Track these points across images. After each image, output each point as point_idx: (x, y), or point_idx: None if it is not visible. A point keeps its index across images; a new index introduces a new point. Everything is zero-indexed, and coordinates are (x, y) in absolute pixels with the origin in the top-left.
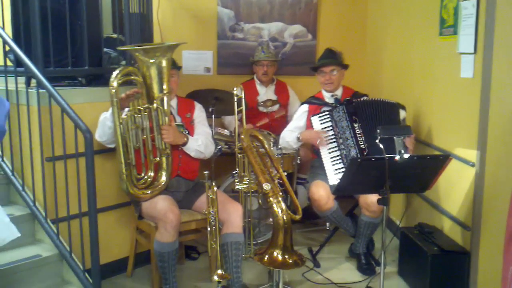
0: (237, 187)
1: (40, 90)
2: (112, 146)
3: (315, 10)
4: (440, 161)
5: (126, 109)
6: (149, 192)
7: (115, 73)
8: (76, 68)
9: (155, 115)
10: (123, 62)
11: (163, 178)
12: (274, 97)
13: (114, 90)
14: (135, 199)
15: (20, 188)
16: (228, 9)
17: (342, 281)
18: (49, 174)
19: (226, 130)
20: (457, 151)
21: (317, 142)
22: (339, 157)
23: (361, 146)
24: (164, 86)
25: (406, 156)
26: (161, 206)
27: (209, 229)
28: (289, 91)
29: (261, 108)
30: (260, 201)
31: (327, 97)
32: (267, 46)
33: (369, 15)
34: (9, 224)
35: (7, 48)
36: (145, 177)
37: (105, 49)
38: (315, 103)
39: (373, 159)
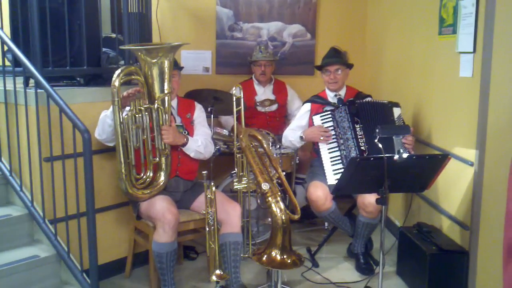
0: (235, 187)
1: (38, 90)
2: (111, 144)
3: (314, 9)
4: (439, 160)
5: (127, 109)
6: (148, 192)
7: (117, 72)
8: (75, 68)
9: (155, 115)
10: (122, 62)
11: (162, 178)
12: (272, 97)
13: (115, 89)
14: (133, 199)
15: (18, 189)
16: (227, 8)
17: (340, 280)
18: (47, 174)
19: (224, 130)
20: (456, 150)
21: (320, 139)
22: (339, 158)
23: (362, 147)
24: (166, 86)
25: (405, 155)
26: (159, 206)
27: (207, 229)
28: (288, 90)
29: (259, 108)
30: (258, 201)
31: (330, 96)
32: (265, 46)
33: (368, 14)
34: None
35: (5, 48)
36: (144, 177)
37: (103, 49)
38: (318, 102)
39: (371, 158)
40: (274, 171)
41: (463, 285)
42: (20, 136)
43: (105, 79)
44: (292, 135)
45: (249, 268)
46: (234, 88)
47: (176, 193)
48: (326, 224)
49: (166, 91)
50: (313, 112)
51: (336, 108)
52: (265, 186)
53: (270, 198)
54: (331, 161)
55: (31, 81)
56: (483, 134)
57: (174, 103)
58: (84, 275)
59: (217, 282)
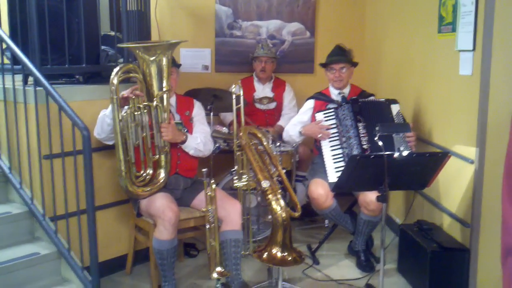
0: (235, 184)
1: (38, 88)
2: (110, 143)
3: (314, 7)
4: (439, 158)
5: (126, 107)
6: (148, 189)
7: (115, 70)
8: (74, 66)
9: (154, 113)
10: (121, 60)
11: (162, 175)
12: (270, 95)
13: (114, 87)
14: (133, 197)
15: (18, 186)
16: (226, 6)
17: (341, 278)
18: (47, 172)
19: (224, 128)
20: (456, 148)
21: (318, 136)
22: (341, 155)
23: (364, 146)
24: (164, 84)
25: (404, 153)
26: (160, 203)
27: (208, 226)
28: (286, 89)
29: (257, 105)
30: (259, 198)
31: (334, 94)
32: (267, 43)
33: (367, 12)
34: None
35: (4, 46)
36: (144, 174)
37: (102, 47)
38: (322, 99)
39: (372, 156)
40: (274, 169)
41: (463, 282)
42: (19, 133)
43: (104, 77)
44: (292, 129)
45: (250, 265)
46: (233, 85)
47: (176, 191)
48: (326, 221)
49: (164, 89)
50: (316, 109)
51: (339, 106)
52: (265, 184)
53: (270, 196)
54: (333, 159)
55: (30, 79)
56: (483, 132)
57: (173, 100)
58: (85, 272)
59: (218, 279)
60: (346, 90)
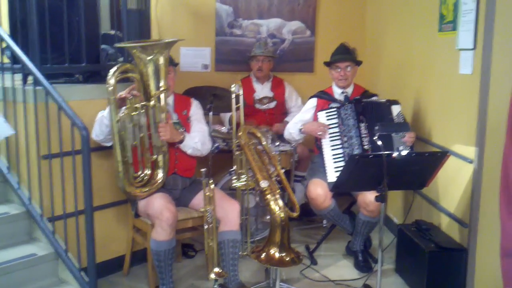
0: (234, 184)
1: (37, 87)
2: (108, 144)
3: (314, 6)
4: (438, 157)
5: (123, 107)
6: (146, 190)
7: (112, 70)
8: (73, 65)
9: (152, 113)
10: (121, 59)
11: (160, 175)
12: (270, 94)
13: (111, 88)
14: (131, 198)
15: (16, 186)
16: (226, 5)
17: (339, 278)
18: (45, 172)
19: (223, 127)
20: (455, 147)
21: (318, 134)
22: (342, 155)
23: (365, 146)
24: (161, 83)
25: (404, 153)
26: (158, 204)
27: (206, 227)
28: (286, 86)
29: (257, 106)
30: (257, 198)
31: (337, 93)
32: (265, 42)
33: (368, 11)
34: (4, 123)
35: (4, 44)
36: (142, 175)
37: (102, 46)
38: (324, 98)
39: (371, 156)
40: (273, 169)
41: (461, 282)
42: (18, 133)
43: (104, 76)
44: (293, 127)
45: (248, 266)
46: (233, 85)
47: (174, 191)
48: (324, 221)
49: (162, 88)
50: (319, 108)
51: (342, 105)
52: (264, 184)
53: (269, 196)
54: (333, 158)
55: (30, 78)
56: (482, 132)
57: (170, 100)
58: (82, 273)
59: (216, 280)
60: (349, 90)
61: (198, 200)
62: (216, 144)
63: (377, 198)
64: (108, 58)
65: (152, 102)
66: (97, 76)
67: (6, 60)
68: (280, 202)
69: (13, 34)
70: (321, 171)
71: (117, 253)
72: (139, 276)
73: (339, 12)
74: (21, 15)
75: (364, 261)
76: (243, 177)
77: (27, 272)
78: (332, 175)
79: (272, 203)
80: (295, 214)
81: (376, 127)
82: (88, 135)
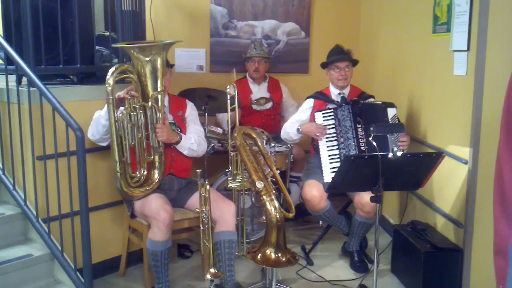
0: (230, 185)
1: (31, 89)
2: (104, 144)
3: (309, 7)
4: (433, 158)
5: (122, 108)
6: (142, 190)
7: (111, 70)
8: (68, 66)
9: (149, 114)
10: (115, 60)
11: (156, 176)
12: (267, 95)
13: (110, 88)
14: (128, 198)
15: (11, 187)
16: (221, 6)
17: (335, 278)
18: (40, 173)
19: (219, 128)
20: (450, 148)
21: (316, 135)
22: (338, 156)
23: (362, 147)
24: (159, 84)
25: (399, 153)
26: (154, 204)
27: (202, 227)
28: (282, 88)
29: (254, 106)
30: (253, 199)
31: (334, 94)
32: (260, 43)
33: (362, 12)
34: None
35: None
36: (138, 175)
37: (97, 47)
38: (321, 98)
39: (366, 156)
40: (269, 169)
41: (457, 282)
42: (13, 134)
43: (98, 77)
44: (290, 127)
45: (244, 266)
46: (228, 86)
47: (170, 191)
48: (320, 222)
49: (159, 89)
50: (316, 109)
51: (339, 106)
52: (259, 185)
53: (264, 197)
54: (329, 159)
55: (24, 79)
56: (477, 132)
57: (166, 101)
58: (78, 274)
59: (212, 281)
60: (346, 91)
61: (194, 200)
62: (212, 145)
63: (373, 199)
64: (102, 60)
65: (150, 103)
66: (91, 78)
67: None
68: (276, 203)
69: (7, 35)
70: (316, 172)
71: (113, 254)
72: (135, 276)
73: (333, 13)
74: (15, 16)
75: (360, 262)
76: (239, 178)
77: (23, 273)
78: (329, 176)
79: (267, 204)
80: (290, 215)
81: (371, 128)
82: (83, 136)
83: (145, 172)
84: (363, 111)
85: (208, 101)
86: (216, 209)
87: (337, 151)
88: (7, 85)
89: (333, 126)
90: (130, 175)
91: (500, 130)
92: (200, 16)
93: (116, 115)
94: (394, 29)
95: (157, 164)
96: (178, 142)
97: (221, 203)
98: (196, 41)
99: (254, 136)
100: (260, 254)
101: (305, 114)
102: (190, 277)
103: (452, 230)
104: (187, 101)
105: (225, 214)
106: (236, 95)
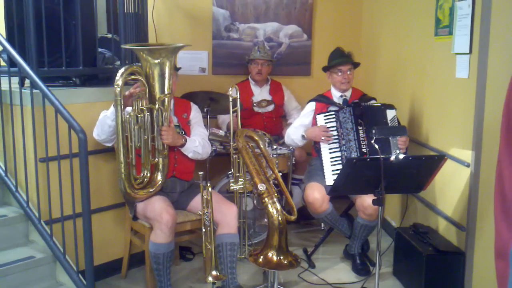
0: (232, 187)
1: (34, 91)
2: (109, 145)
3: (311, 10)
4: (435, 161)
5: (129, 109)
6: (145, 192)
7: (120, 71)
8: (70, 68)
9: (156, 116)
10: (118, 63)
11: (159, 178)
12: (269, 97)
13: (119, 89)
14: (130, 200)
15: (14, 189)
16: (223, 9)
17: (337, 281)
18: (43, 175)
19: (221, 131)
20: (452, 151)
21: (321, 139)
22: (339, 158)
23: (363, 149)
24: (166, 87)
25: (401, 156)
26: (157, 206)
27: (204, 230)
28: (284, 91)
29: (256, 109)
30: (255, 201)
31: (336, 97)
32: (263, 46)
33: (364, 15)
34: None
35: (1, 48)
36: (142, 177)
37: (99, 49)
38: (323, 101)
39: (368, 159)
40: (271, 172)
41: (459, 286)
42: (15, 136)
43: (101, 79)
44: (294, 133)
45: (246, 269)
46: (230, 88)
47: (172, 194)
48: (322, 225)
49: (166, 92)
50: (318, 111)
51: (341, 108)
52: (261, 187)
53: (266, 199)
54: (331, 162)
55: (27, 81)
56: (479, 135)
57: (171, 103)
58: (80, 276)
59: (214, 283)
60: (348, 93)
61: (196, 203)
62: (214, 147)
63: (375, 202)
64: (105, 62)
65: (157, 105)
66: (94, 80)
67: (2, 63)
68: (278, 205)
69: (10, 38)
70: (318, 175)
71: (115, 256)
72: (137, 279)
73: (335, 16)
74: (18, 18)
75: (362, 264)
76: (241, 180)
77: (25, 275)
78: (330, 178)
79: (269, 207)
80: (292, 217)
81: (373, 131)
82: (86, 138)
83: (149, 174)
84: (364, 113)
85: (210, 103)
86: (218, 211)
87: (338, 153)
88: (10, 87)
89: (335, 128)
90: (134, 177)
91: (500, 132)
92: (202, 18)
93: (123, 116)
94: (396, 32)
95: (160, 166)
96: (183, 145)
97: (223, 205)
98: (198, 43)
99: (256, 138)
100: (262, 257)
101: (307, 118)
102: (192, 280)
103: (454, 233)
104: (191, 103)
105: (227, 217)
106: (238, 97)
